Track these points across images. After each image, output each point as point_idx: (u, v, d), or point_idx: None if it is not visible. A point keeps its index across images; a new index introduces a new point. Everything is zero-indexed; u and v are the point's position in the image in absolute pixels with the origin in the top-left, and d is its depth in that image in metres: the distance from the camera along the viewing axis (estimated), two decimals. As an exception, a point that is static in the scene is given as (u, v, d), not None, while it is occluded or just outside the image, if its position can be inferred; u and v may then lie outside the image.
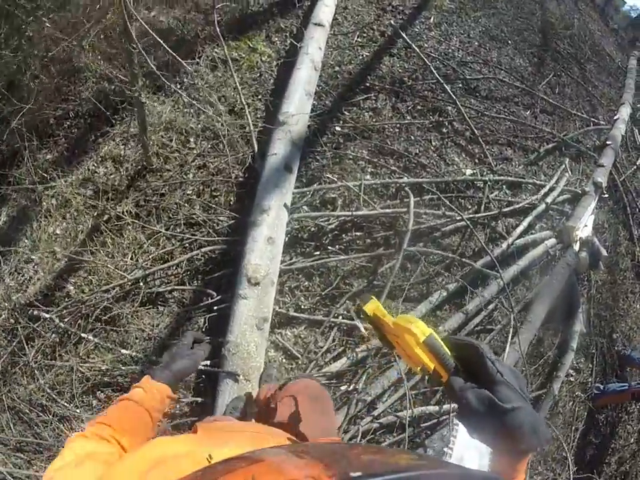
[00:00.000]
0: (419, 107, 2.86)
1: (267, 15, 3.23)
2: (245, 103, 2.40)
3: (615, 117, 3.78)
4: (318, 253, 2.19)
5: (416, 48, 2.98)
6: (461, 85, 3.14)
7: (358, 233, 2.25)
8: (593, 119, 3.62)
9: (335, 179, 2.22)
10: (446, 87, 2.87)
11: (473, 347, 0.48)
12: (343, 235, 2.24)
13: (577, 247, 2.66)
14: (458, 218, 2.28)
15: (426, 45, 3.28)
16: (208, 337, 1.62)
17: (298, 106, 2.36)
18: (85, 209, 2.34)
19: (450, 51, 3.33)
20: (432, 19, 3.53)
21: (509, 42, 3.81)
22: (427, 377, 1.93)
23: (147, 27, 1.61)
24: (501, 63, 3.51)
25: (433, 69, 2.90)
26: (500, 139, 2.95)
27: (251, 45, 2.97)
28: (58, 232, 2.41)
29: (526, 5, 4.39)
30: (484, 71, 3.35)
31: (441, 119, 2.83)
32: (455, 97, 2.84)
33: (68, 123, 2.69)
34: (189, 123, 2.49)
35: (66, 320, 2.06)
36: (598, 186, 2.97)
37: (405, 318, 0.53)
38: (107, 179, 2.41)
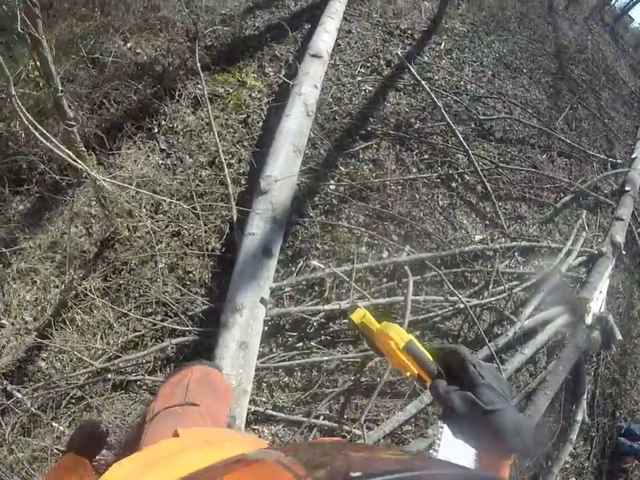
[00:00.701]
0: (425, 157, 2.16)
1: (262, 39, 2.47)
2: (224, 161, 1.75)
3: (633, 156, 2.98)
4: (301, 344, 1.62)
5: (425, 85, 2.22)
6: (474, 126, 2.39)
7: (347, 321, 1.66)
8: (610, 159, 2.84)
9: (322, 265, 1.61)
10: (457, 132, 2.13)
11: (455, 352, 0.43)
12: (330, 324, 1.66)
13: (589, 320, 2.04)
14: (462, 306, 1.66)
15: (436, 77, 2.51)
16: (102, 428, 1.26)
17: (284, 167, 1.71)
18: (54, 277, 1.80)
19: (462, 83, 2.55)
20: (443, 44, 2.70)
21: (524, 70, 2.96)
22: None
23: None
24: (517, 96, 2.72)
25: (444, 110, 2.15)
26: (514, 193, 2.25)
27: (240, 78, 2.25)
28: (28, 298, 1.89)
29: (539, 27, 3.48)
30: (498, 107, 2.58)
31: (450, 171, 2.13)
32: (467, 146, 2.11)
33: (41, 168, 2.07)
34: (164, 179, 1.85)
35: (38, 400, 1.63)
36: (616, 246, 2.28)
37: (387, 325, 0.49)
38: (77, 243, 1.84)
